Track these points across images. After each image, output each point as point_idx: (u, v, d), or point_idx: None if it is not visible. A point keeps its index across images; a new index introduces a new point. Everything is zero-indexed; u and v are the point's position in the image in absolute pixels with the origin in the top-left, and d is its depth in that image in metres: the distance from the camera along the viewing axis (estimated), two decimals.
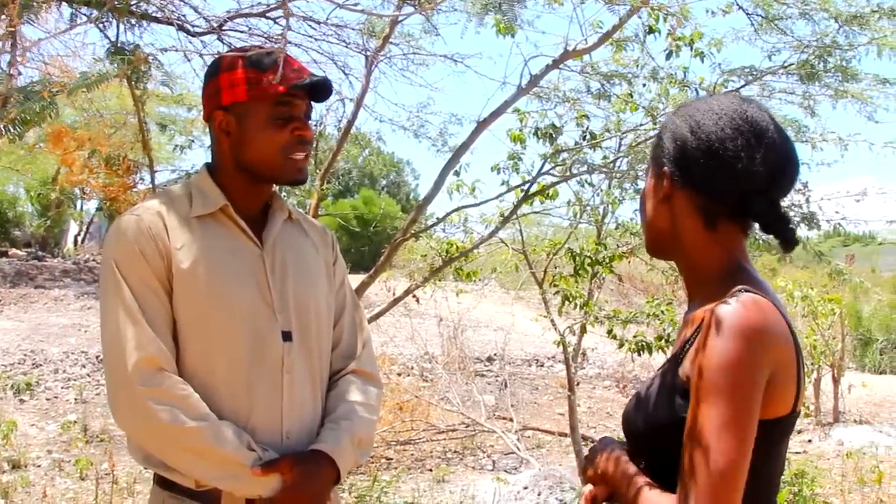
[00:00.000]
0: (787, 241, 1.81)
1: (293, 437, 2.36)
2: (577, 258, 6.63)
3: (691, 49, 5.94)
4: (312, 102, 2.51)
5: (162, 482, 2.32)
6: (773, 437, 1.77)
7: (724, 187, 1.83)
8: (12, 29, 3.57)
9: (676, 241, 1.96)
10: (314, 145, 2.68)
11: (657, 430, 1.85)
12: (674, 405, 1.80)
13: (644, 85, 6.34)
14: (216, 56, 2.60)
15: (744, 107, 1.86)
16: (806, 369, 1.86)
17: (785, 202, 1.87)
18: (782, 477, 1.97)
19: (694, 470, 1.68)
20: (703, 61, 6.03)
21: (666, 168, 1.93)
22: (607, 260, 6.70)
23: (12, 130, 3.48)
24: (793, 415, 1.79)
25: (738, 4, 5.44)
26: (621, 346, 6.70)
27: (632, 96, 6.22)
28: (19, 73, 3.86)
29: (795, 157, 1.88)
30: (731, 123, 1.82)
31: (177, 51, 4.27)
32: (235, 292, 2.33)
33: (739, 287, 1.78)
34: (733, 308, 1.71)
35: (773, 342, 1.70)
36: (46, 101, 3.38)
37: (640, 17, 5.66)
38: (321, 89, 2.47)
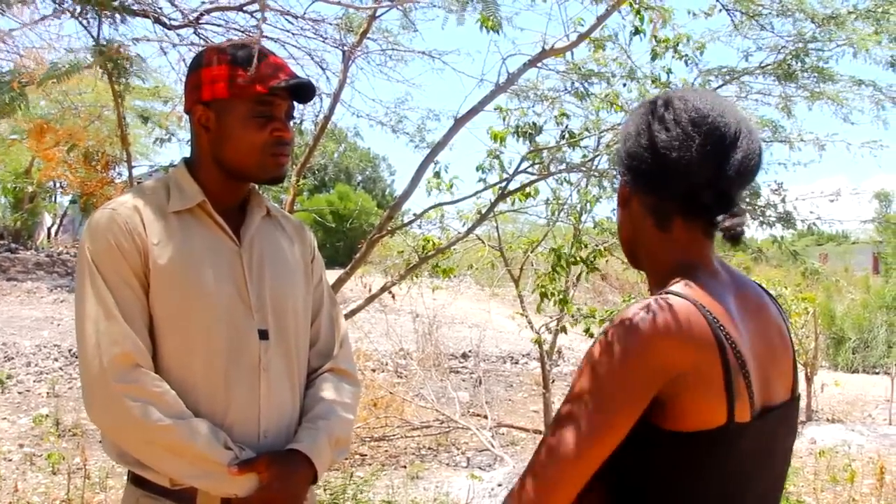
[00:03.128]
0: (730, 232, 1.69)
1: (271, 436, 2.34)
2: (561, 257, 6.64)
3: (674, 52, 5.96)
4: (294, 103, 2.49)
5: (136, 480, 2.30)
6: (702, 450, 1.67)
7: (667, 183, 1.77)
8: None
9: (638, 246, 1.90)
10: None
11: None
12: None
13: (624, 85, 6.36)
14: (195, 48, 2.59)
15: (688, 96, 1.79)
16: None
17: (759, 201, 1.81)
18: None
19: (536, 456, 1.66)
20: (686, 65, 6.06)
21: (620, 171, 1.89)
22: (591, 259, 6.71)
23: None
24: (729, 426, 1.66)
25: (720, 4, 5.45)
26: None
27: (618, 97, 6.22)
28: None
29: (748, 143, 1.76)
30: (670, 115, 1.75)
31: (149, 40, 4.24)
32: (212, 289, 2.31)
33: (668, 288, 1.72)
34: (634, 308, 1.65)
35: (673, 347, 1.62)
36: (16, 93, 3.35)
37: (621, 15, 5.66)
38: (303, 91, 2.44)
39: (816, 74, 5.67)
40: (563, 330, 7.27)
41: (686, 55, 6.00)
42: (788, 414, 1.88)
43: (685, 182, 1.74)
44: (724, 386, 1.65)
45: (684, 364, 1.63)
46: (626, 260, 2.08)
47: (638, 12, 5.64)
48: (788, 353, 1.90)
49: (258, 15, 4.15)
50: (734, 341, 1.67)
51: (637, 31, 5.84)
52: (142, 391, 2.17)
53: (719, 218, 1.71)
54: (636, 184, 1.84)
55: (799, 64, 5.59)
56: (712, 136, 1.73)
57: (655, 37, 5.90)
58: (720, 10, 5.52)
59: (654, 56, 5.96)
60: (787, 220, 5.88)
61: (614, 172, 6.36)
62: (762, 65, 5.82)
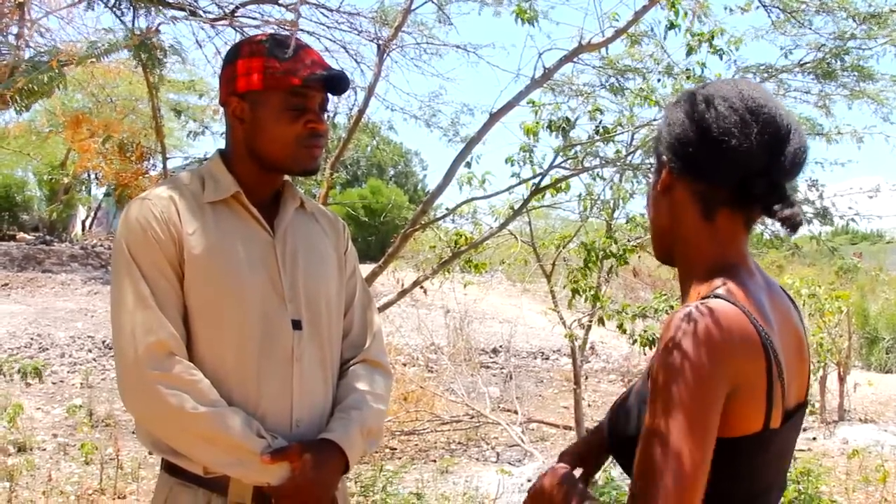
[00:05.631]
0: (790, 222, 1.68)
1: (303, 426, 2.35)
2: (591, 252, 6.62)
3: (710, 46, 5.92)
4: (328, 95, 2.49)
5: (170, 468, 2.32)
6: (740, 455, 1.68)
7: (721, 169, 1.74)
8: (21, 0, 3.56)
9: (675, 237, 1.87)
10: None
11: (628, 440, 1.78)
12: (641, 416, 1.72)
13: (659, 80, 6.31)
14: (231, 41, 2.59)
15: (739, 86, 1.79)
16: (813, 368, 1.74)
17: (797, 196, 1.77)
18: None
19: (645, 484, 1.60)
20: (721, 59, 6.01)
21: (664, 157, 1.85)
22: (621, 253, 6.69)
23: (19, 101, 3.47)
24: (764, 432, 1.69)
25: (759, 1, 5.40)
26: (636, 342, 6.72)
27: (653, 93, 6.18)
28: (27, 45, 3.86)
29: (799, 136, 1.76)
30: (725, 102, 1.74)
31: (178, 19, 4.26)
32: (246, 280, 2.32)
33: (713, 290, 1.70)
34: (691, 315, 1.62)
35: (732, 354, 1.61)
36: (55, 72, 3.37)
37: (662, 8, 5.63)
38: (337, 83, 2.44)
39: (856, 73, 5.62)
40: (602, 323, 7.24)
41: (721, 49, 5.95)
42: (801, 418, 1.88)
43: (741, 170, 1.72)
44: (765, 393, 1.66)
45: (743, 372, 1.62)
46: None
47: (673, 6, 5.60)
48: (805, 356, 1.89)
49: (294, 9, 4.17)
50: (775, 349, 1.67)
51: (672, 26, 5.80)
52: (176, 379, 2.18)
53: (776, 207, 1.70)
54: (685, 170, 1.80)
55: (839, 63, 5.54)
56: (770, 125, 1.72)
57: (690, 31, 5.86)
58: (757, 7, 5.47)
59: (690, 51, 5.92)
60: (824, 216, 5.82)
61: (649, 163, 6.33)
62: (801, 62, 5.77)
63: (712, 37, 5.87)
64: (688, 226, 1.83)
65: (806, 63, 5.75)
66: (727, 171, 1.74)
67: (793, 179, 1.80)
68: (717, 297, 1.68)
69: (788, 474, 1.96)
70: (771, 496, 1.83)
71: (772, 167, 1.72)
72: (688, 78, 6.05)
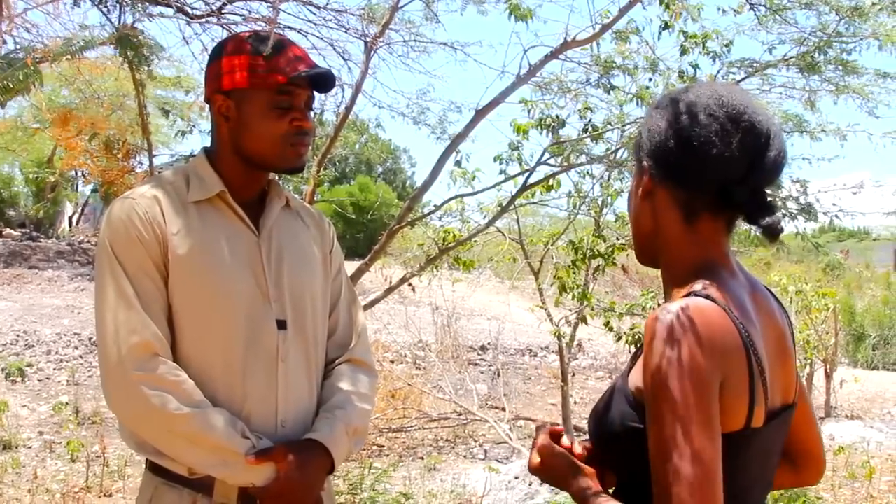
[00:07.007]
0: (770, 230, 1.70)
1: (288, 426, 2.34)
2: (579, 250, 6.63)
3: (703, 48, 5.93)
4: (315, 92, 2.48)
5: (154, 468, 2.30)
6: (726, 453, 1.63)
7: (702, 177, 1.74)
8: None
9: (658, 240, 1.87)
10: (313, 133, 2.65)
11: (611, 436, 1.78)
12: (623, 414, 1.74)
13: (650, 79, 6.32)
14: (217, 37, 2.58)
15: (720, 91, 1.78)
16: (799, 366, 1.73)
17: (781, 193, 1.78)
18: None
19: (668, 485, 1.57)
20: (714, 62, 6.03)
21: (645, 163, 1.85)
22: (609, 252, 6.69)
23: None
24: (746, 430, 1.67)
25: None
26: (619, 339, 6.72)
27: (646, 90, 6.18)
28: (4, 42, 3.84)
29: (779, 141, 1.77)
30: (706, 110, 1.73)
31: (163, 16, 4.25)
32: (231, 279, 2.31)
33: (691, 290, 1.70)
34: (672, 315, 1.62)
35: (716, 347, 1.61)
36: (30, 69, 3.35)
37: (643, 6, 5.63)
38: (323, 80, 2.44)
39: (841, 67, 5.63)
40: (584, 321, 7.26)
41: (714, 51, 5.97)
42: (788, 419, 1.87)
43: (721, 178, 1.73)
44: (748, 391, 1.66)
45: (726, 366, 1.62)
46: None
47: (668, 6, 5.61)
48: (790, 357, 1.88)
49: (280, 6, 4.16)
50: (756, 347, 1.67)
51: (667, 26, 5.80)
52: (160, 380, 2.17)
53: (757, 214, 1.71)
54: (665, 177, 1.81)
55: (822, 56, 5.55)
56: (751, 132, 1.72)
57: (684, 32, 5.87)
58: (749, 9, 5.49)
59: (684, 51, 5.93)
60: (808, 211, 5.83)
61: (632, 163, 6.33)
62: (785, 57, 5.78)
63: (706, 39, 5.88)
64: (670, 229, 1.84)
65: (790, 58, 5.76)
66: (708, 180, 1.75)
67: (772, 184, 1.81)
68: (695, 295, 1.68)
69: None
70: (752, 495, 1.83)
71: (752, 174, 1.73)
72: (680, 76, 6.06)
